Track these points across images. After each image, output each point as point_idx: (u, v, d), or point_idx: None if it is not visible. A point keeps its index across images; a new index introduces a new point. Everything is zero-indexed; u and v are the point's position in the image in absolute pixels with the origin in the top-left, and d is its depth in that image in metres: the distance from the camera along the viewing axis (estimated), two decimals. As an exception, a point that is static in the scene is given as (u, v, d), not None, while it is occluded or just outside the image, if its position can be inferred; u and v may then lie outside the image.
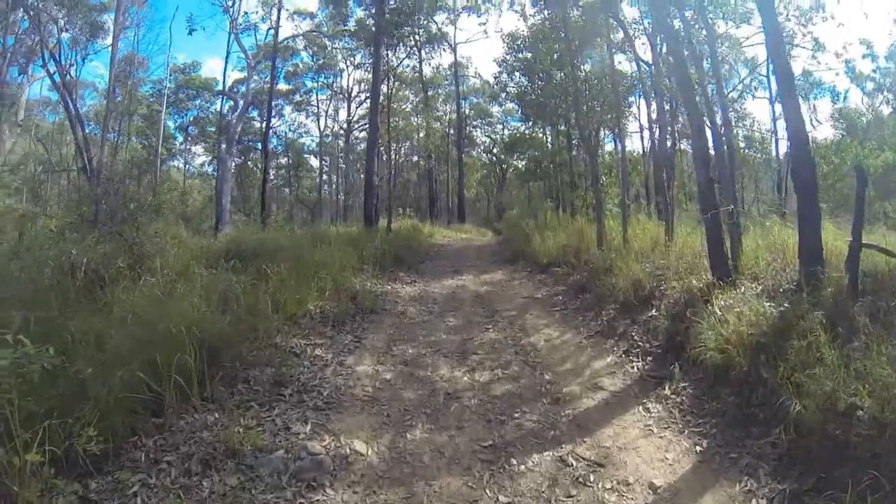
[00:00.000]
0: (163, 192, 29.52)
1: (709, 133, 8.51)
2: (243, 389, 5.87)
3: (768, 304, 5.95)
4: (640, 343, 7.15)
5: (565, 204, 21.93)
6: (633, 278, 8.42)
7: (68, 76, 23.45)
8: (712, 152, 8.33)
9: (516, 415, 5.61)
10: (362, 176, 46.40)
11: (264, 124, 25.49)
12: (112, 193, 10.36)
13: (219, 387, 5.64)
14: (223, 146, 28.15)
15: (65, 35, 23.82)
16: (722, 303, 6.48)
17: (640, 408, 5.72)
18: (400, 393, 6.17)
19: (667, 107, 20.39)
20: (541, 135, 21.31)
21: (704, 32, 10.20)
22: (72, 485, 3.91)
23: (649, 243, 10.55)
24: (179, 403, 5.04)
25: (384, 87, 23.73)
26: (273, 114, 40.05)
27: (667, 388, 5.98)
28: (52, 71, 22.44)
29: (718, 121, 9.05)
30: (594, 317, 8.63)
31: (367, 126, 20.63)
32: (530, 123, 21.83)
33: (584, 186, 17.16)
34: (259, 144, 40.59)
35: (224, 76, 28.06)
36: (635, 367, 6.66)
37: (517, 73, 20.22)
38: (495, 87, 22.14)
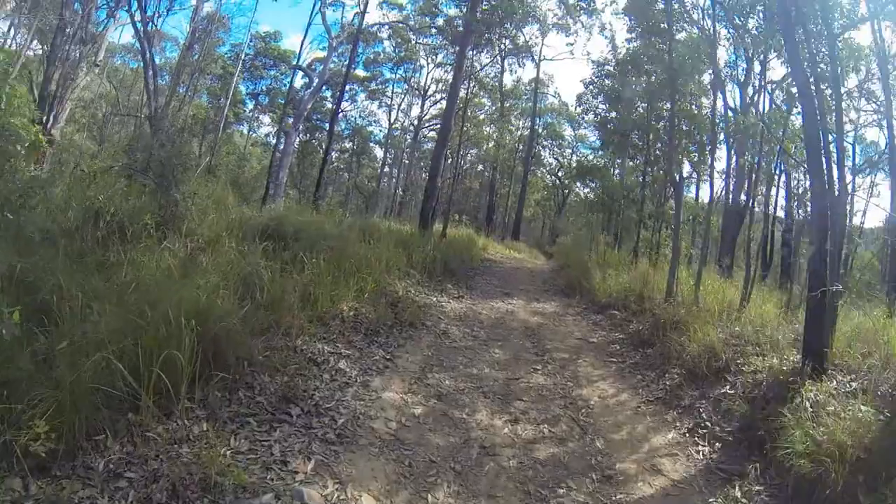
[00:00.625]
0: (222, 154, 29.17)
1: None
2: (244, 398, 5.01)
3: (865, 408, 4.93)
4: (710, 424, 6.06)
5: (622, 242, 20.90)
6: (707, 344, 7.36)
7: (151, 24, 23.19)
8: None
9: (560, 490, 4.67)
10: (425, 175, 45.74)
11: (335, 105, 24.33)
12: (167, 144, 9.64)
13: (215, 390, 4.78)
14: (290, 120, 27.71)
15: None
16: (813, 397, 5.45)
17: (706, 509, 4.71)
18: (428, 436, 5.24)
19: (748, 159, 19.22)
20: (614, 167, 20.24)
21: (829, 91, 9.08)
22: (12, 480, 3.17)
23: (722, 305, 9.48)
24: (163, 403, 4.21)
25: (463, 90, 22.80)
26: (346, 97, 39.81)
27: (738, 488, 4.93)
28: (136, 18, 22.25)
29: (836, 186, 7.93)
30: (656, 378, 7.56)
31: (439, 125, 19.72)
32: (606, 152, 20.85)
33: (652, 228, 16.08)
34: (327, 125, 40.14)
35: (301, 49, 27.46)
36: (701, 454, 5.61)
37: (600, 98, 19.25)
38: (577, 108, 21.07)
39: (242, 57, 31.59)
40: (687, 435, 5.97)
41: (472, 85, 27.54)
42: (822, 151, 7.07)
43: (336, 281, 8.11)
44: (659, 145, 16.84)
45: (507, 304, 11.70)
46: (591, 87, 20.05)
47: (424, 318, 9.07)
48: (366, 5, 21.89)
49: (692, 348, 7.51)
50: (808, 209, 14.66)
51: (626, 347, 9.02)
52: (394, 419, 5.41)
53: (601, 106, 19.56)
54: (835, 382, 5.86)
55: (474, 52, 25.10)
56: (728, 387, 6.57)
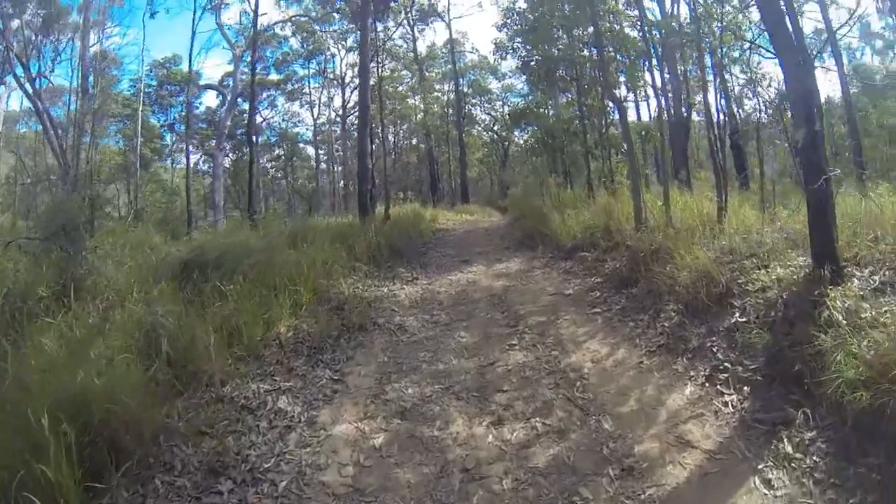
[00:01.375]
0: (146, 194, 27.57)
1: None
2: (161, 486, 3.83)
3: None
4: (729, 364, 4.92)
5: (572, 179, 19.84)
6: (698, 268, 6.22)
7: (40, 81, 22.03)
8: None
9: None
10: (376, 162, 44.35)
11: (249, 114, 22.87)
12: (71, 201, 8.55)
13: (122, 491, 3.57)
14: (213, 142, 26.44)
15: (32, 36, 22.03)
16: (842, 305, 4.35)
17: (758, 479, 3.62)
18: (395, 474, 4.05)
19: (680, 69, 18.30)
20: (548, 105, 18.92)
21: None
22: None
23: (698, 220, 8.37)
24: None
25: (374, 65, 21.30)
26: (265, 104, 38.32)
27: (786, 441, 3.84)
28: (22, 80, 21.24)
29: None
30: (650, 321, 6.38)
31: (359, 113, 18.29)
32: (536, 94, 19.59)
33: (601, 157, 14.89)
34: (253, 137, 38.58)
35: (190, 61, 25.44)
36: (730, 405, 4.48)
37: (518, 40, 17.86)
38: (495, 55, 19.57)
39: (143, 88, 29.72)
40: (706, 385, 4.85)
41: (384, 58, 25.96)
42: (790, 23, 5.90)
43: (265, 301, 6.82)
44: (588, 74, 15.64)
45: (467, 273, 10.42)
46: (505, 29, 18.58)
47: (376, 315, 7.78)
48: (256, 5, 20.19)
49: (683, 277, 6.39)
50: (760, 101, 13.77)
51: (607, 292, 7.82)
52: (349, 461, 4.22)
53: (520, 47, 18.19)
54: (856, 281, 4.80)
55: (379, 24, 23.73)
56: (738, 314, 5.46)
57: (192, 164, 38.23)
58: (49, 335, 5.08)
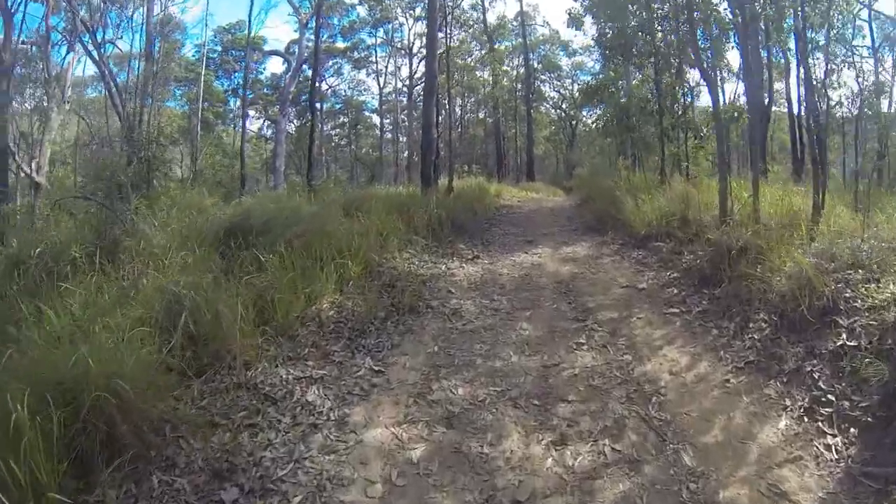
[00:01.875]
0: (205, 157, 27.46)
1: None
2: (158, 487, 3.28)
3: None
4: (833, 397, 4.12)
5: (643, 162, 18.79)
6: (798, 275, 5.36)
7: (104, 48, 21.98)
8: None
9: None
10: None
11: (311, 80, 22.37)
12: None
13: (110, 489, 3.11)
14: (276, 108, 26.12)
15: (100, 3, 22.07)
16: None
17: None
18: (432, 499, 3.39)
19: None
20: (620, 83, 17.76)
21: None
22: None
23: (788, 217, 7.46)
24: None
25: (442, 34, 20.43)
26: (331, 72, 37.82)
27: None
28: (89, 47, 21.37)
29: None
30: (737, 331, 5.55)
31: (425, 80, 17.51)
32: (608, 70, 18.46)
33: (677, 140, 13.84)
34: (319, 104, 38.17)
35: (249, 23, 25.05)
36: (834, 450, 3.70)
37: (593, 12, 16.73)
38: (569, 26, 18.38)
39: (206, 53, 29.52)
40: (805, 419, 4.07)
41: (453, 27, 25.01)
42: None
43: (308, 274, 6.23)
44: (667, 49, 14.53)
45: (532, 255, 9.67)
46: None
47: (430, 296, 7.15)
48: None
49: (778, 283, 5.54)
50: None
51: (685, 290, 6.98)
52: (379, 477, 3.59)
53: (595, 18, 17.10)
54: None
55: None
56: (845, 335, 4.60)
57: (256, 130, 38.46)
58: (73, 300, 4.61)
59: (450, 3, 24.76)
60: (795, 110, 20.32)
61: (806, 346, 4.79)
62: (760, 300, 5.67)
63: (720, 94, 9.73)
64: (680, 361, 5.19)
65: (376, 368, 5.11)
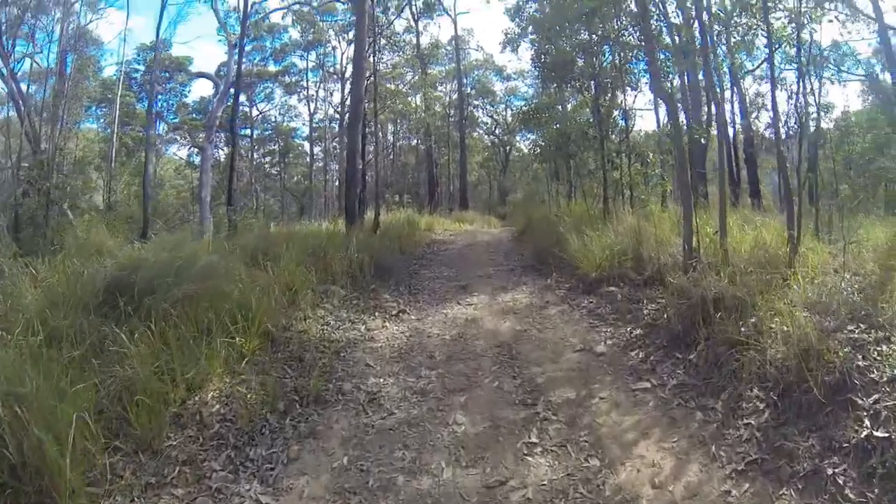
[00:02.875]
0: (123, 186, 25.45)
1: None
2: None
3: None
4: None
5: (575, 190, 17.75)
6: (798, 339, 4.17)
7: (19, 63, 20.17)
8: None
9: None
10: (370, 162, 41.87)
11: (233, 105, 20.76)
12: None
13: None
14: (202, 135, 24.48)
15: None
16: None
17: None
18: None
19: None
20: (559, 106, 16.69)
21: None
22: None
23: (759, 256, 6.33)
24: None
25: (371, 52, 19.08)
26: (262, 97, 36.31)
27: None
28: None
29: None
30: (727, 414, 4.29)
31: (350, 107, 16.15)
32: (546, 92, 17.48)
33: (620, 166, 12.73)
34: (247, 131, 36.39)
35: (157, 32, 23.18)
36: None
37: (530, 30, 15.62)
38: (506, 48, 17.36)
39: (123, 71, 27.48)
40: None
41: (383, 47, 23.73)
42: None
43: (190, 352, 4.76)
44: (607, 70, 13.51)
45: (466, 305, 8.31)
46: (518, 15, 16.31)
47: (344, 373, 5.72)
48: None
49: (772, 348, 4.35)
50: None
51: (653, 353, 5.69)
52: None
53: (532, 39, 16.05)
54: None
55: (378, 8, 21.74)
56: (868, 421, 3.48)
57: (185, 157, 36.29)
58: None
59: (381, 24, 23.54)
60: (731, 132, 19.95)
61: (821, 436, 3.61)
62: (751, 370, 4.44)
63: (679, 116, 8.54)
64: (662, 465, 3.88)
65: (265, 492, 3.68)
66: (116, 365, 4.44)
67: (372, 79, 18.19)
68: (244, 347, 5.41)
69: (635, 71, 13.49)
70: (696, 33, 8.58)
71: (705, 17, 8.22)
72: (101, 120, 30.96)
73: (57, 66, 21.68)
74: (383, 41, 23.57)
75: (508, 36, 16.90)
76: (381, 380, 5.54)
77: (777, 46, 7.96)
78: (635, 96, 13.81)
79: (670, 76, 12.48)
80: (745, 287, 5.40)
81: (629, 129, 13.43)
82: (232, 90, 24.79)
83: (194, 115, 34.17)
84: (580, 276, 8.64)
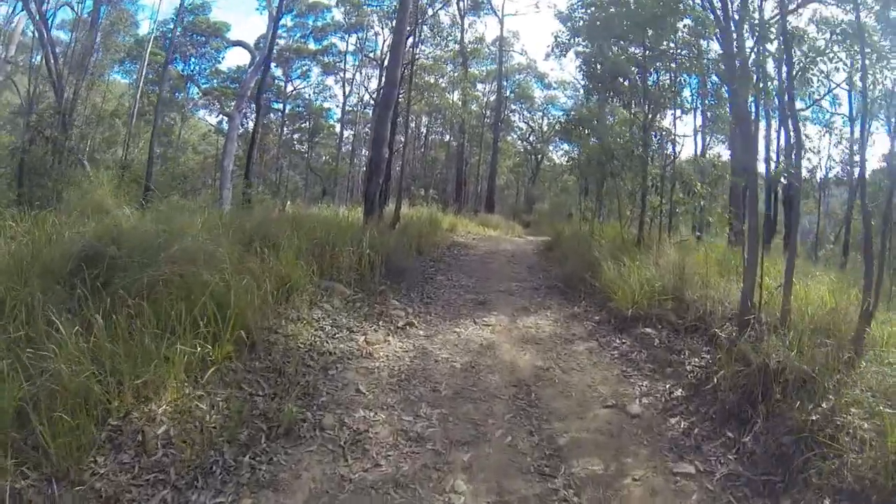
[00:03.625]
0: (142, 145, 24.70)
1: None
2: None
3: None
4: None
5: (606, 207, 16.98)
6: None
7: (56, 10, 19.52)
8: None
9: None
10: (397, 153, 40.54)
11: (262, 74, 19.91)
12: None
13: None
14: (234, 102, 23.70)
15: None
16: None
17: None
18: None
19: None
20: (603, 120, 15.55)
21: None
22: None
23: (825, 319, 5.33)
24: None
25: (412, 40, 18.03)
26: (297, 74, 35.35)
27: None
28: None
29: None
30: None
31: (383, 90, 15.18)
32: (588, 102, 16.41)
33: (660, 193, 11.68)
34: (278, 105, 35.57)
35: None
36: None
37: (581, 37, 14.45)
38: (553, 52, 16.28)
39: (154, 28, 26.66)
40: None
41: (422, 36, 22.59)
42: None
43: (142, 352, 3.87)
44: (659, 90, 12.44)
45: (482, 326, 7.33)
46: (569, 23, 15.16)
47: (328, 398, 4.76)
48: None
49: (853, 454, 3.42)
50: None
51: (698, 425, 4.68)
52: None
53: (582, 47, 14.94)
54: None
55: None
56: None
57: (215, 123, 35.46)
58: None
59: (426, 12, 22.50)
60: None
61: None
62: (824, 476, 3.47)
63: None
64: None
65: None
66: (51, 360, 3.56)
67: (409, 66, 17.13)
68: (214, 352, 4.49)
69: (682, 94, 12.49)
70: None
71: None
72: (133, 76, 30.19)
73: (92, 16, 21.04)
74: (426, 30, 22.48)
75: (558, 39, 15.82)
76: (372, 414, 4.57)
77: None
78: (678, 117, 12.61)
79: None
80: (810, 359, 4.43)
81: (676, 154, 12.39)
82: (274, 66, 24.13)
83: (228, 84, 33.26)
84: (613, 309, 7.65)
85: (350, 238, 8.62)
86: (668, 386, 5.48)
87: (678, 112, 12.64)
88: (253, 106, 33.58)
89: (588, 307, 8.24)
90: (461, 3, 30.37)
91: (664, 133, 12.70)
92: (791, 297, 5.72)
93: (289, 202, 18.33)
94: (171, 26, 27.96)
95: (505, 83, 36.05)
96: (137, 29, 27.42)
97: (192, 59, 31.65)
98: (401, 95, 16.44)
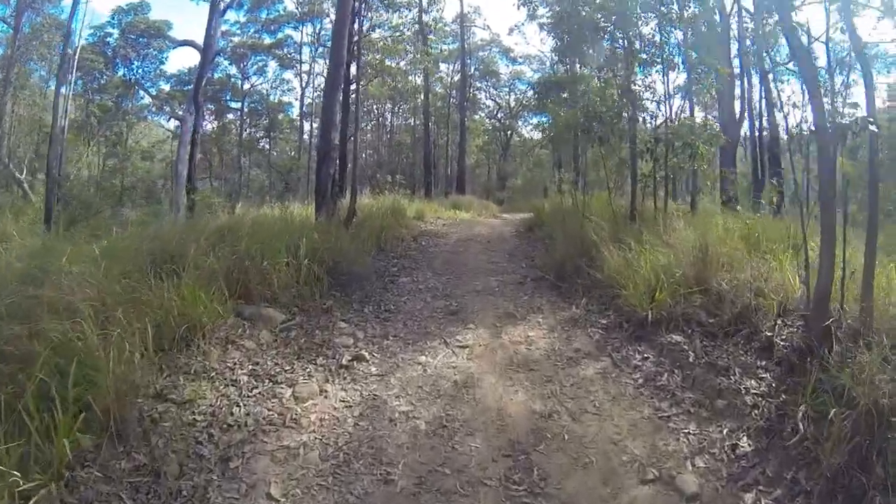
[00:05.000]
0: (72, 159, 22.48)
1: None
2: None
3: None
4: None
5: (587, 181, 15.36)
6: None
7: None
8: None
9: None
10: (352, 139, 38.30)
11: (199, 69, 17.97)
12: None
13: None
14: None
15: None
16: None
17: None
18: None
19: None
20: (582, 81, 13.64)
21: None
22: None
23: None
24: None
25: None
26: (254, 70, 33.27)
27: None
28: None
29: None
30: None
31: (328, 69, 13.15)
32: (564, 66, 14.64)
33: (655, 158, 9.84)
34: (238, 103, 33.42)
35: None
36: None
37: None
38: (522, 5, 14.39)
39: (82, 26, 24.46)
40: None
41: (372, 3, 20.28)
42: None
43: None
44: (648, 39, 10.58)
45: (456, 348, 5.44)
46: None
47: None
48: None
49: None
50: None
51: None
52: None
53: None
54: None
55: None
56: None
57: (173, 128, 33.10)
58: None
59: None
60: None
61: None
62: None
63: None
64: None
65: None
66: None
67: (357, 39, 14.95)
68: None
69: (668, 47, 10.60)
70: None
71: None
72: (79, 85, 27.94)
73: (16, 21, 19.13)
74: (378, 3, 20.23)
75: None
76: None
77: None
78: (665, 74, 10.66)
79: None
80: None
81: (670, 114, 10.47)
82: (227, 63, 22.17)
83: (181, 87, 30.87)
84: (623, 308, 5.84)
85: (288, 244, 6.78)
86: (725, 432, 3.71)
87: (663, 69, 10.69)
88: (211, 106, 31.74)
89: (590, 306, 6.41)
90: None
91: (651, 91, 10.85)
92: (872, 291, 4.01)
93: (239, 204, 16.41)
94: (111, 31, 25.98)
95: (469, 60, 34.31)
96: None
97: (136, 63, 29.25)
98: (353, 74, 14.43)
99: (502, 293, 7.48)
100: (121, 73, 29.17)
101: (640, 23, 10.57)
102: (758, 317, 4.78)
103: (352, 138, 15.39)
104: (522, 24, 32.18)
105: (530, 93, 27.29)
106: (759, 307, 4.86)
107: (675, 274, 5.66)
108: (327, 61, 18.06)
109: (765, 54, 19.08)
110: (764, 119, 18.33)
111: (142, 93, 30.93)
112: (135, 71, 29.51)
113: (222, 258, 5.80)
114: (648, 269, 5.88)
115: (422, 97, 30.59)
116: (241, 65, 32.83)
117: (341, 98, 13.12)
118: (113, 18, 27.75)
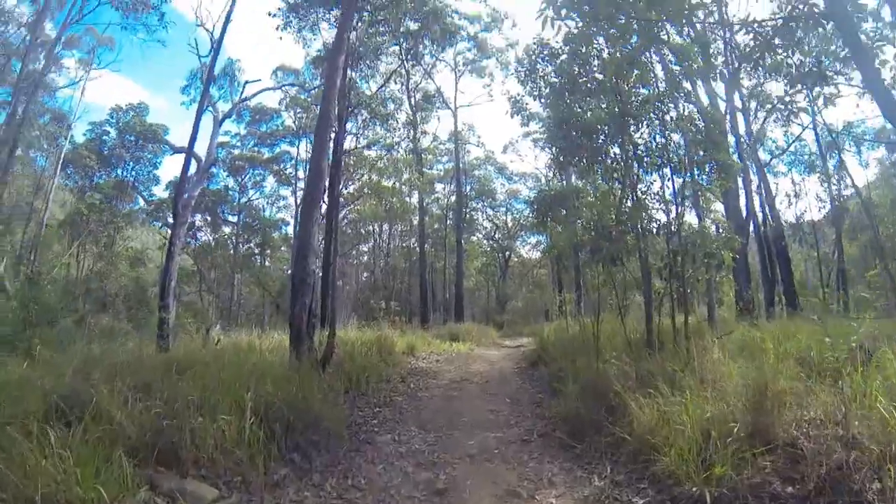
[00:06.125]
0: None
1: None
2: None
3: None
4: None
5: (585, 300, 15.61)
6: None
7: None
8: None
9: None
10: (353, 261, 37.66)
11: (180, 180, 17.26)
12: None
13: None
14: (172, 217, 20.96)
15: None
16: None
17: None
18: None
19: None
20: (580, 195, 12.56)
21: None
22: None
23: None
24: None
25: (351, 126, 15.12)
26: (249, 184, 32.87)
27: None
28: None
29: None
30: None
31: (306, 182, 12.18)
32: (562, 180, 13.81)
33: (668, 277, 8.53)
34: (234, 216, 32.87)
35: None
36: None
37: (546, 91, 11.52)
38: (514, 114, 13.65)
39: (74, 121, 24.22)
40: None
41: (359, 112, 19.68)
42: None
43: None
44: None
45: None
46: (529, 77, 12.14)
47: None
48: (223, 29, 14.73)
49: None
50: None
51: None
52: None
53: (546, 111, 12.17)
54: None
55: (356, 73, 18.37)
56: None
57: (167, 240, 32.34)
58: None
59: (362, 91, 20.00)
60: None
61: None
62: None
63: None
64: None
65: None
66: None
67: (342, 151, 14.04)
68: None
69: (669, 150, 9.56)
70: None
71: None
72: (75, 180, 28.59)
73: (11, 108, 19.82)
74: (365, 113, 19.74)
75: (518, 104, 13.19)
76: None
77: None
78: (668, 178, 9.51)
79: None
80: None
81: (680, 223, 9.23)
82: (226, 174, 21.53)
83: (164, 195, 30.53)
84: (664, 481, 4.34)
85: (238, 393, 5.35)
86: None
87: (667, 172, 9.57)
88: (208, 217, 31.02)
89: (617, 476, 4.85)
90: (412, 101, 28.09)
91: (659, 198, 9.70)
92: None
93: (217, 327, 15.02)
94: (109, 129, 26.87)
95: (464, 179, 34.42)
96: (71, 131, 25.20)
97: (130, 164, 28.91)
98: (339, 190, 13.41)
99: (503, 457, 5.88)
100: (116, 173, 29.25)
101: (640, 125, 9.65)
102: (851, 476, 3.39)
103: (331, 265, 14.16)
104: (517, 140, 32.33)
105: (527, 212, 26.68)
106: (856, 462, 3.46)
107: (732, 428, 4.21)
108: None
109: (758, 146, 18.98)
110: (768, 213, 17.88)
111: (138, 196, 30.74)
112: (129, 172, 29.43)
113: (144, 410, 4.44)
114: (694, 425, 4.41)
115: (417, 219, 29.92)
116: (239, 177, 32.75)
117: (323, 218, 11.96)
118: (111, 117, 27.79)
